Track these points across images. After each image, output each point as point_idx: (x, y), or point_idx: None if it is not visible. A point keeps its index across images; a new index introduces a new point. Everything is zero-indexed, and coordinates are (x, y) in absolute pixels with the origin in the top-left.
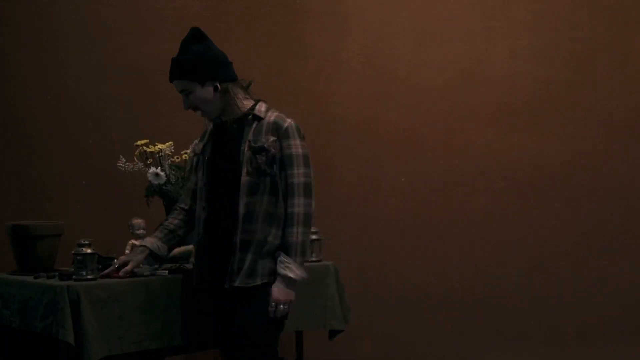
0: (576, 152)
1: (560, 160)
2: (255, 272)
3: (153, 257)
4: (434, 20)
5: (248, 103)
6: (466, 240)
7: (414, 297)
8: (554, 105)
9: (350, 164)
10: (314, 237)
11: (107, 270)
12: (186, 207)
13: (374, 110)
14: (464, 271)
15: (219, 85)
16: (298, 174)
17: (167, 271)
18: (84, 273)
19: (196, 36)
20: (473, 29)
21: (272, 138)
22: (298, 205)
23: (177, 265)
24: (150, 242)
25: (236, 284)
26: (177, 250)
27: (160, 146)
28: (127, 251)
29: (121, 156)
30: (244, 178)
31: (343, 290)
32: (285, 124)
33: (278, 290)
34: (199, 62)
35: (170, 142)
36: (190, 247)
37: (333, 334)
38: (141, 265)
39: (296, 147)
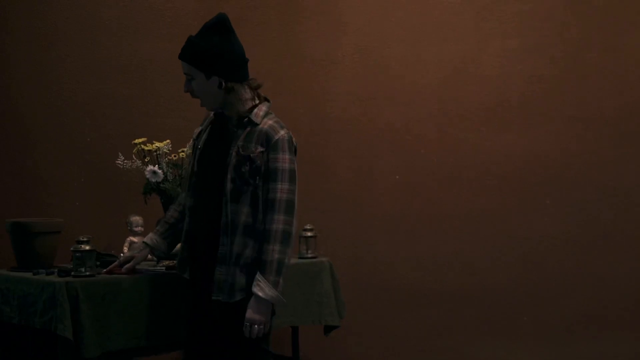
0: (567, 150)
1: (551, 157)
2: (234, 286)
3: (152, 253)
4: (427, 20)
5: (250, 104)
6: (458, 237)
7: (408, 292)
8: (545, 104)
9: (344, 161)
10: (309, 234)
11: (109, 267)
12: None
13: (368, 109)
14: (457, 267)
15: (224, 83)
16: (282, 190)
17: (165, 267)
18: (83, 270)
19: (220, 26)
20: (465, 28)
21: (260, 149)
22: (278, 221)
23: (175, 261)
24: (149, 238)
25: (214, 297)
26: (175, 248)
27: (157, 144)
28: (125, 248)
29: (119, 154)
30: (228, 184)
31: (338, 286)
32: (277, 137)
33: (251, 310)
34: (212, 55)
35: (168, 140)
36: None
37: (328, 329)
38: (149, 257)
39: (283, 161)
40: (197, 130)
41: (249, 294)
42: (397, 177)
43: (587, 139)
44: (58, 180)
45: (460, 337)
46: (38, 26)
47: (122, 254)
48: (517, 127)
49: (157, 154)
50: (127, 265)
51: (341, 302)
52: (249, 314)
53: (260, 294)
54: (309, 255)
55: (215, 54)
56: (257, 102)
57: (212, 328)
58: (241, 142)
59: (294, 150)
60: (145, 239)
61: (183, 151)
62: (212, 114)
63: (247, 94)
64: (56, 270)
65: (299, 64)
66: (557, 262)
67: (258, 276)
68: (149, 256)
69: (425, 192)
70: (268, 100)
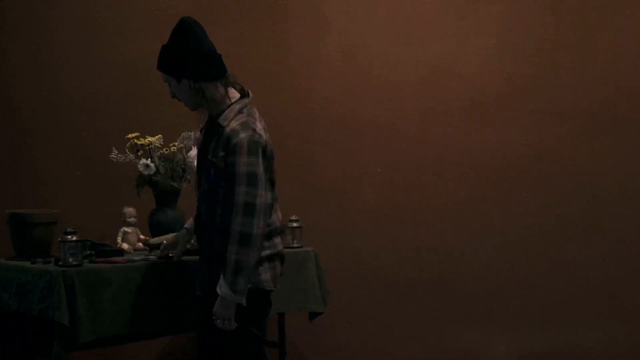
0: (543, 145)
1: (528, 152)
2: (211, 282)
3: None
4: (409, 20)
5: (226, 102)
6: (438, 228)
7: (390, 280)
8: (522, 101)
9: (329, 156)
10: (295, 224)
11: (159, 253)
12: None
13: (351, 105)
14: (437, 256)
15: (192, 84)
16: (238, 193)
17: (156, 257)
18: (70, 260)
19: (181, 28)
20: (445, 28)
21: (221, 153)
22: (236, 223)
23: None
24: (189, 223)
25: (197, 292)
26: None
27: (150, 139)
28: (118, 238)
29: (113, 148)
30: (203, 186)
31: (323, 275)
32: (235, 140)
33: (216, 305)
34: (176, 58)
35: (160, 135)
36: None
37: (313, 315)
38: (192, 242)
39: (239, 164)
40: (198, 133)
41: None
42: (380, 170)
43: (562, 134)
44: (55, 173)
45: (440, 323)
46: (35, 25)
47: (119, 244)
48: (495, 123)
49: (149, 148)
50: (176, 253)
51: (326, 290)
52: (214, 308)
53: (218, 291)
54: (295, 245)
55: (179, 57)
56: (231, 101)
57: (200, 321)
58: (212, 146)
59: (256, 151)
60: (185, 225)
61: (174, 145)
62: (206, 117)
63: (219, 93)
64: (53, 259)
65: (285, 61)
66: (533, 252)
67: (221, 275)
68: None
69: (407, 185)
70: (247, 95)
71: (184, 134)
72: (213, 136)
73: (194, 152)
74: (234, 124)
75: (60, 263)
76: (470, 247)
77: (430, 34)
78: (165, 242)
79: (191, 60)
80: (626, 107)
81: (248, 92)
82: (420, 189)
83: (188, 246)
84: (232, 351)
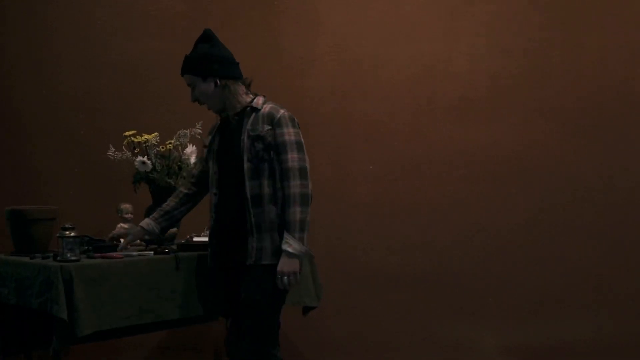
0: (531, 142)
1: (516, 149)
2: (265, 251)
3: (145, 235)
4: (400, 20)
5: (247, 98)
6: (429, 224)
7: (382, 275)
8: (511, 99)
9: (322, 153)
10: None
11: (105, 252)
12: (185, 190)
13: (344, 104)
14: (427, 252)
15: (218, 81)
16: (292, 159)
17: (152, 252)
18: (68, 255)
19: (205, 36)
20: (436, 28)
21: (267, 127)
22: (294, 186)
23: (163, 247)
24: (145, 222)
25: (248, 262)
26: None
27: (146, 136)
28: None
29: (111, 146)
30: (246, 164)
31: (316, 270)
32: (279, 115)
33: (281, 264)
34: (203, 59)
35: (156, 133)
36: (174, 230)
37: (307, 310)
38: (145, 237)
39: (289, 134)
40: (208, 138)
41: (277, 257)
42: (371, 167)
43: (549, 131)
44: (53, 170)
45: (430, 317)
46: (35, 25)
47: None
48: (484, 121)
49: (146, 146)
50: (121, 246)
51: (319, 284)
52: (279, 266)
53: (289, 249)
54: None
55: (206, 58)
56: (252, 96)
57: (246, 293)
58: (249, 127)
59: (297, 125)
60: (141, 223)
61: (170, 143)
62: (218, 120)
63: (241, 89)
64: (51, 254)
65: (279, 61)
66: (521, 247)
67: (285, 235)
68: (138, 240)
69: (398, 182)
70: (262, 95)
71: (179, 132)
72: (243, 122)
73: (189, 149)
74: (268, 106)
75: (58, 258)
76: (460, 243)
77: (421, 34)
78: (120, 229)
79: (216, 61)
80: (612, 105)
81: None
82: (410, 185)
83: (137, 241)
84: (276, 318)
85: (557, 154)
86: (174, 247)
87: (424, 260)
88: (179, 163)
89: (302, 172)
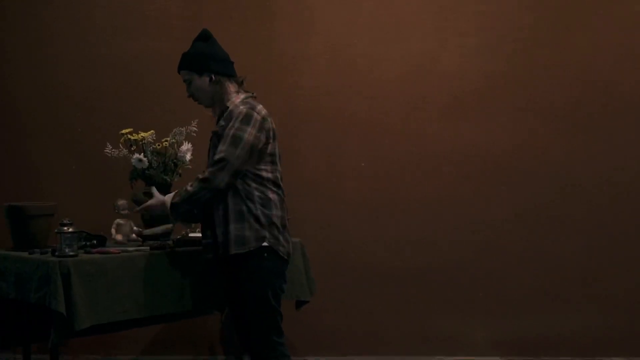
0: (519, 140)
1: (505, 147)
2: (239, 239)
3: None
4: (391, 20)
5: (237, 97)
6: (420, 219)
7: (373, 271)
8: (500, 97)
9: (315, 150)
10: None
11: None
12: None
13: (337, 102)
14: (419, 247)
15: (213, 77)
16: (220, 151)
17: (149, 247)
18: (66, 250)
19: (203, 35)
20: (426, 28)
21: (222, 123)
22: (205, 172)
23: (159, 242)
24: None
25: (224, 253)
26: (158, 229)
27: (143, 134)
28: (113, 230)
29: (108, 143)
30: (210, 160)
31: (309, 265)
32: (237, 110)
33: (153, 201)
34: (199, 56)
35: (152, 131)
36: (170, 226)
37: (300, 304)
38: (134, 237)
39: (230, 128)
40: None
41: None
42: (363, 164)
43: (538, 129)
44: (52, 167)
45: (422, 311)
46: (34, 26)
47: (113, 235)
48: (474, 119)
49: (142, 143)
50: (141, 207)
51: (311, 279)
52: (150, 202)
53: (174, 200)
54: None
55: (203, 55)
56: (242, 95)
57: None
58: (218, 125)
59: (252, 123)
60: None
61: (166, 140)
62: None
63: (233, 87)
64: (50, 249)
65: (273, 60)
66: (510, 243)
67: (176, 193)
68: (133, 235)
69: (389, 178)
70: (253, 95)
71: (175, 129)
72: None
73: (185, 146)
74: (241, 105)
75: (56, 253)
76: (451, 239)
77: (412, 34)
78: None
79: (212, 58)
80: (599, 104)
81: (253, 93)
82: (402, 182)
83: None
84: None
85: (546, 152)
86: (170, 242)
87: (415, 255)
88: (175, 160)
89: (219, 162)
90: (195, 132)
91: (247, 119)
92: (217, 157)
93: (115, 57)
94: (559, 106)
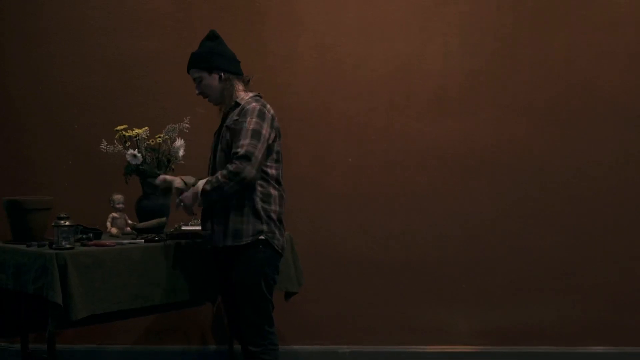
0: (501, 137)
1: (487, 143)
2: (240, 232)
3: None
4: (377, 21)
5: (245, 95)
6: (405, 213)
7: (360, 263)
8: (482, 95)
9: (304, 147)
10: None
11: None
12: None
13: (324, 100)
14: (403, 240)
15: (222, 74)
16: (242, 145)
17: (143, 240)
18: (63, 243)
19: (211, 35)
20: (411, 28)
21: (235, 117)
22: (232, 165)
23: (153, 235)
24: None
25: (227, 243)
26: (152, 222)
27: (137, 131)
28: (108, 223)
29: (103, 139)
30: (219, 153)
31: (297, 257)
32: (248, 107)
33: (187, 194)
34: (209, 55)
35: (146, 127)
36: (164, 219)
37: (288, 295)
38: (128, 230)
39: (249, 123)
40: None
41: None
42: (350, 160)
43: (519, 126)
44: (49, 163)
45: (406, 302)
46: (30, 26)
47: (108, 229)
48: (457, 116)
49: (136, 140)
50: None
51: (300, 271)
52: (184, 195)
53: (207, 187)
54: None
55: (212, 54)
56: (250, 94)
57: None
58: (230, 120)
59: (265, 118)
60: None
61: (160, 137)
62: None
63: (241, 86)
64: (47, 242)
65: (262, 59)
66: (492, 236)
67: (206, 181)
68: (128, 228)
69: (375, 174)
70: (259, 95)
71: (168, 126)
72: (229, 117)
73: (178, 143)
74: (252, 101)
75: (53, 246)
76: (435, 232)
77: (397, 34)
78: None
79: (221, 56)
80: (578, 102)
81: (258, 94)
82: (387, 177)
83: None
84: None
85: (527, 148)
86: (164, 235)
87: (400, 247)
88: (168, 156)
89: (245, 156)
90: (187, 128)
91: (261, 114)
92: (241, 151)
93: (110, 56)
94: (540, 104)
